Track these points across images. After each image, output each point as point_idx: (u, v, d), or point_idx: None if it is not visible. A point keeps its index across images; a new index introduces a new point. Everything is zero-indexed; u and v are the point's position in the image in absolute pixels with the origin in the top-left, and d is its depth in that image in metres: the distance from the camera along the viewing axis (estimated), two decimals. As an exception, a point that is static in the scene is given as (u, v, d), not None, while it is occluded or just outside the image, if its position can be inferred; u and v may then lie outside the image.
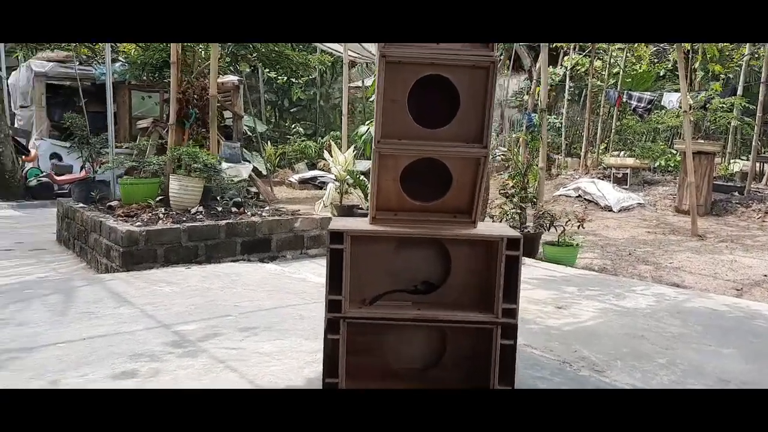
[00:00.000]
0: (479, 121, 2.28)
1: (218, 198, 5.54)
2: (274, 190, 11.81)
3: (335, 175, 7.81)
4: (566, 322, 3.59)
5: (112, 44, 11.04)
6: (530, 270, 5.03)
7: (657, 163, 12.52)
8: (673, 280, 5.31)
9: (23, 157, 10.30)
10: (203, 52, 8.18)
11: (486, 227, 2.45)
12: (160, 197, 5.61)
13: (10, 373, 2.52)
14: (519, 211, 5.87)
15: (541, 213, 5.72)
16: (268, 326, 3.24)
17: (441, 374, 2.48)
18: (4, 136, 9.38)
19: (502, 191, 6.07)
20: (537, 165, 6.11)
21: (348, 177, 7.46)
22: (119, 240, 4.47)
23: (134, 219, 5.01)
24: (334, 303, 2.28)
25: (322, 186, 12.47)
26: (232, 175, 9.36)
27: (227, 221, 4.93)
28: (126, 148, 8.13)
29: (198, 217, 5.14)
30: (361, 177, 7.29)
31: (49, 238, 6.47)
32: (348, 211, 7.45)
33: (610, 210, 9.66)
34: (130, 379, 2.49)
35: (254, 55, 11.07)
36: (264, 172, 12.69)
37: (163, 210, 5.29)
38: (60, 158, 10.37)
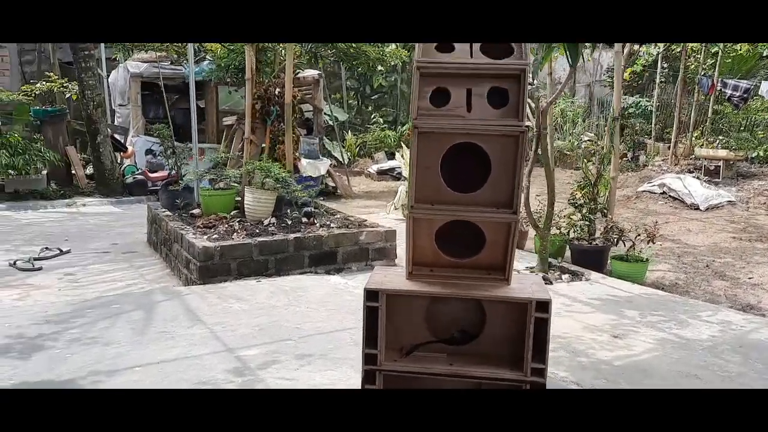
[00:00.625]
0: (510, 187, 2.35)
1: (291, 206, 5.81)
2: (352, 182, 12.07)
3: (406, 177, 7.93)
4: (618, 355, 3.58)
5: (200, 44, 11.62)
6: (594, 287, 4.98)
7: (755, 154, 11.74)
8: (748, 300, 5.09)
9: (121, 153, 11.10)
10: (283, 51, 8.44)
11: (519, 285, 2.52)
12: (236, 208, 5.96)
13: (93, 399, 2.86)
14: (587, 222, 5.77)
15: (609, 227, 5.60)
16: (323, 353, 3.46)
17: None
18: (104, 137, 10.14)
19: (571, 201, 5.98)
20: (608, 175, 5.96)
21: (418, 180, 7.56)
22: (197, 255, 4.83)
23: (212, 231, 5.36)
24: (370, 356, 2.44)
25: (399, 177, 12.61)
26: (310, 171, 9.74)
27: (296, 235, 5.19)
28: (209, 159, 8.59)
29: (270, 229, 5.44)
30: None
31: (140, 239, 7.01)
32: (418, 213, 7.56)
33: (697, 209, 9.22)
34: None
35: (332, 51, 11.34)
36: (344, 163, 13.00)
37: (238, 221, 5.63)
38: (154, 155, 11.07)
